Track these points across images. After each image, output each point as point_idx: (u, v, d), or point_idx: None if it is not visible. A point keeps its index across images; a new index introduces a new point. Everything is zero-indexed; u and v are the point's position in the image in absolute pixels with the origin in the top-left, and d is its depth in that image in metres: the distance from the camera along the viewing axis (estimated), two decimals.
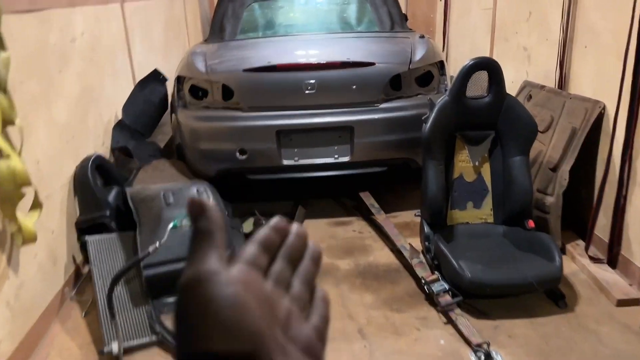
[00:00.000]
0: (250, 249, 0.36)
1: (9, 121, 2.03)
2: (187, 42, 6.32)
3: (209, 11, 7.97)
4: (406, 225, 3.29)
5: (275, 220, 0.39)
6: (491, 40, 4.21)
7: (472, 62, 2.64)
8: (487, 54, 4.32)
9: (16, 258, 2.19)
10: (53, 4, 2.67)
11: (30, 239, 2.13)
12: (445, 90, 3.32)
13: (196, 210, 0.35)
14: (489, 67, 2.65)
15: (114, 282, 2.01)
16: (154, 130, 4.01)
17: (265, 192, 3.74)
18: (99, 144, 3.24)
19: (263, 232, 0.37)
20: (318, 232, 3.20)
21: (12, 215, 2.04)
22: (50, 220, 2.51)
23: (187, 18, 6.43)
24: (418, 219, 3.32)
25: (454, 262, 2.42)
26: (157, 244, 2.00)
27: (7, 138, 2.07)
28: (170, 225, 2.03)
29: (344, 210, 3.51)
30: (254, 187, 3.67)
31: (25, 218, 2.14)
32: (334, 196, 3.67)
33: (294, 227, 0.39)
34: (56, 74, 2.68)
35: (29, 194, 2.18)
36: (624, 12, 2.49)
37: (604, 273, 2.62)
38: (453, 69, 5.29)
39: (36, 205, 2.22)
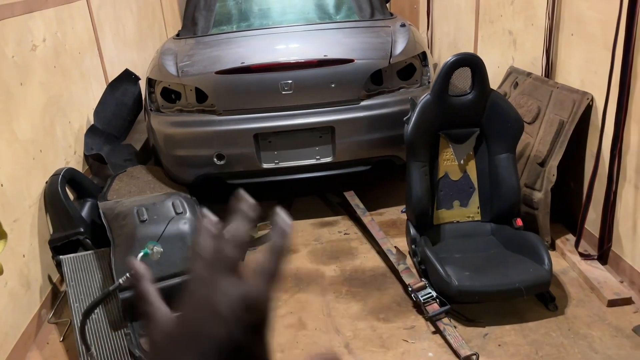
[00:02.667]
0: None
1: None
2: (165, 29, 6.10)
3: None
4: (392, 223, 3.21)
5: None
6: (476, 22, 4.06)
7: (454, 58, 2.52)
8: (472, 36, 4.18)
9: None
10: (8, 14, 2.50)
11: None
12: (429, 82, 3.20)
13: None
14: (472, 63, 2.53)
15: (85, 316, 1.92)
16: (129, 132, 3.87)
17: (247, 193, 3.63)
18: (71, 153, 3.11)
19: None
20: (302, 234, 3.12)
21: None
22: (20, 244, 2.41)
23: (162, 3, 6.19)
24: (404, 216, 3.24)
25: (441, 269, 2.35)
26: (127, 274, 1.90)
27: None
28: (141, 254, 1.93)
29: (329, 209, 3.43)
30: (235, 189, 3.56)
31: None
32: (319, 193, 3.57)
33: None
34: (16, 88, 2.53)
35: None
36: (612, 2, 2.36)
37: (595, 270, 2.57)
38: (437, 48, 5.15)
39: (1, 235, 2.11)
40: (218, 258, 0.39)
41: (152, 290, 0.42)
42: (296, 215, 3.31)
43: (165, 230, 2.35)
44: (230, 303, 0.37)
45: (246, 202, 0.42)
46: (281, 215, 0.41)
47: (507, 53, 3.55)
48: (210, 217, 0.42)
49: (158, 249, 1.95)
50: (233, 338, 0.36)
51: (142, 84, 4.11)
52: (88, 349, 1.97)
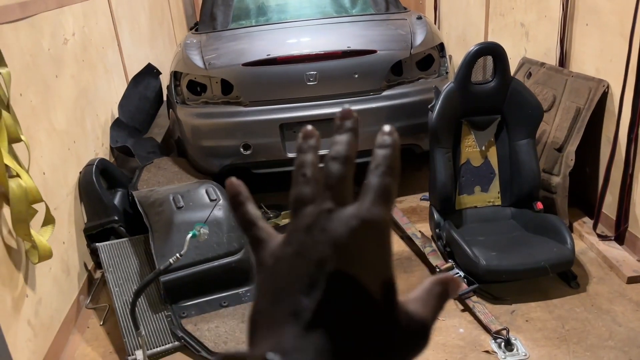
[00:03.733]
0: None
1: (15, 139, 1.98)
2: (172, 27, 6.17)
3: None
4: (413, 210, 3.30)
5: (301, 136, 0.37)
6: (486, 15, 4.16)
7: (477, 47, 2.62)
8: (481, 29, 4.28)
9: (32, 275, 2.17)
10: (42, 8, 2.57)
11: (46, 255, 2.10)
12: (446, 72, 3.30)
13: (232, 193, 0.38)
14: (494, 52, 2.63)
15: (137, 296, 2.00)
16: (151, 125, 3.94)
17: (270, 183, 3.72)
18: (99, 145, 3.19)
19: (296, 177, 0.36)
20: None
21: (26, 234, 2.01)
22: (60, 231, 2.48)
23: (170, 1, 6.26)
24: (424, 203, 3.34)
25: (468, 250, 2.44)
26: (178, 254, 1.99)
27: (15, 156, 2.02)
28: (189, 235, 2.01)
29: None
30: (259, 179, 3.64)
31: (39, 235, 2.10)
32: None
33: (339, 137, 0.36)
34: (52, 80, 2.60)
35: (40, 209, 2.14)
36: None
37: (613, 250, 2.67)
38: (445, 42, 5.24)
39: (49, 220, 2.19)
40: (326, 176, 0.34)
41: (255, 211, 0.38)
42: None
43: (203, 215, 2.43)
44: (346, 227, 0.32)
45: (350, 116, 0.37)
46: (385, 129, 0.37)
47: (519, 45, 3.66)
48: (310, 130, 0.38)
49: (205, 230, 2.03)
50: (348, 263, 0.32)
51: (163, 79, 4.19)
52: (137, 327, 2.05)
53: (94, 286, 2.75)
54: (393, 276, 0.34)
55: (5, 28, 2.16)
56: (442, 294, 0.35)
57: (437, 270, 2.56)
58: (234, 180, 0.38)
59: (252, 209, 0.37)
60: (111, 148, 3.37)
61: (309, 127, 0.38)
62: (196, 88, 3.23)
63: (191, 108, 3.16)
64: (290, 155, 3.12)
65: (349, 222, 0.32)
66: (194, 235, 1.99)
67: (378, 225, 0.33)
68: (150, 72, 3.86)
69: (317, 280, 0.31)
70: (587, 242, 2.80)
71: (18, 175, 1.95)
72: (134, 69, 4.01)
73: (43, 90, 2.47)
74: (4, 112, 1.92)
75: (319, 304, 0.31)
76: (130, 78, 3.81)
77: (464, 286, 2.43)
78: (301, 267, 0.32)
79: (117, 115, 3.48)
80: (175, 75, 3.23)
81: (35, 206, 2.08)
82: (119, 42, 3.87)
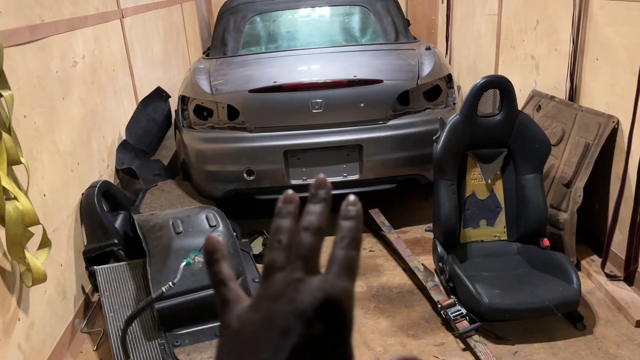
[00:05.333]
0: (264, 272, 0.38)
1: (14, 161, 1.99)
2: (187, 50, 6.25)
3: (207, 16, 7.88)
4: (417, 241, 3.25)
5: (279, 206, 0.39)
6: (497, 47, 4.15)
7: (483, 80, 2.59)
8: (492, 60, 4.27)
9: (26, 298, 2.15)
10: (53, 31, 2.61)
11: (40, 279, 2.08)
12: (454, 103, 3.28)
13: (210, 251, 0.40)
14: (501, 85, 2.60)
15: (127, 324, 1.97)
16: (158, 147, 3.95)
17: (273, 208, 3.69)
18: (104, 167, 3.19)
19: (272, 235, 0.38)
20: (326, 251, 3.15)
21: (20, 257, 1.99)
22: (58, 253, 2.46)
23: (186, 25, 6.35)
24: (429, 235, 3.29)
25: (471, 287, 2.38)
26: (171, 283, 1.95)
27: (14, 178, 2.02)
28: (183, 263, 1.98)
29: None
30: (261, 205, 3.62)
31: (34, 258, 2.09)
32: None
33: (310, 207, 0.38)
34: (59, 102, 2.62)
35: (37, 231, 2.13)
36: (638, 27, 2.44)
37: (622, 291, 2.59)
38: (457, 72, 5.24)
39: (45, 243, 2.17)
40: (297, 246, 0.37)
41: (228, 271, 0.39)
42: None
43: (202, 241, 2.40)
44: (311, 299, 0.34)
45: (324, 186, 0.39)
46: (349, 199, 0.38)
47: (529, 77, 3.63)
48: (290, 195, 0.40)
49: (199, 259, 2.00)
50: (312, 335, 0.34)
51: (172, 101, 4.22)
52: (127, 356, 2.01)
53: (90, 310, 2.72)
54: (351, 348, 0.35)
55: (13, 50, 2.18)
56: None
57: (439, 306, 2.50)
58: (212, 237, 0.40)
59: (226, 269, 0.39)
60: (116, 169, 3.38)
61: (290, 191, 0.40)
62: (203, 113, 3.24)
63: (197, 132, 3.16)
64: (294, 182, 3.10)
65: (314, 294, 0.34)
66: (188, 264, 1.96)
67: (341, 299, 0.35)
68: (159, 95, 3.89)
69: (281, 350, 0.33)
70: (595, 281, 2.72)
71: (15, 198, 1.95)
72: (145, 91, 4.05)
73: (48, 112, 2.49)
74: (5, 135, 1.93)
75: None
76: (140, 100, 3.84)
77: None
78: (266, 335, 0.34)
79: (124, 137, 3.50)
80: (183, 100, 3.25)
81: (32, 229, 2.06)
82: (130, 64, 3.91)
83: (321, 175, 0.40)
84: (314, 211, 0.38)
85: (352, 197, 0.39)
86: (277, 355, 0.33)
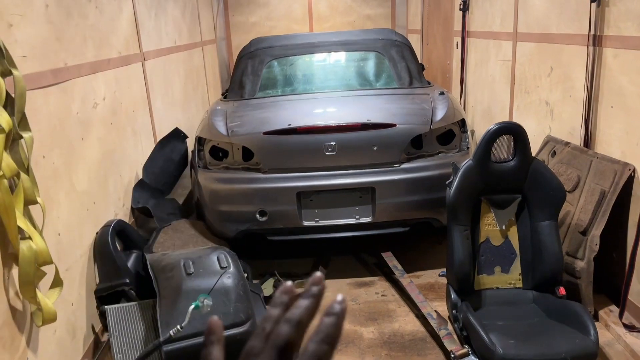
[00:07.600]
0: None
1: (31, 200, 2.02)
2: (206, 91, 6.39)
3: (227, 58, 8.08)
4: (430, 286, 3.20)
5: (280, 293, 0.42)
6: (511, 92, 4.17)
7: (497, 127, 2.60)
8: (507, 105, 4.29)
9: (35, 337, 2.15)
10: (75, 74, 2.70)
11: (50, 318, 2.09)
12: (467, 148, 3.28)
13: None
14: (514, 131, 2.60)
15: None
16: (174, 187, 4.00)
17: (285, 249, 3.69)
18: (120, 206, 3.24)
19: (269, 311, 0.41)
20: (339, 294, 3.12)
21: (32, 296, 2.00)
22: (69, 292, 2.48)
23: (206, 67, 6.52)
24: (443, 279, 3.24)
25: (485, 337, 2.32)
26: (179, 326, 1.94)
27: (30, 217, 2.05)
28: (192, 306, 1.98)
29: (366, 269, 3.44)
30: (274, 245, 3.62)
31: (46, 297, 2.10)
32: (355, 253, 3.60)
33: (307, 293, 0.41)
34: (78, 143, 2.69)
35: (50, 271, 2.15)
36: None
37: None
38: (471, 116, 5.26)
39: (57, 282, 2.19)
40: (275, 335, 0.39)
41: (218, 355, 0.42)
42: (333, 274, 3.33)
43: (213, 283, 2.40)
44: None
45: (319, 283, 0.42)
46: (337, 297, 0.41)
47: (543, 122, 3.63)
48: (289, 287, 0.43)
49: (208, 302, 1.99)
50: None
51: (189, 142, 4.30)
52: None
53: (99, 350, 2.71)
54: None
55: (36, 93, 2.26)
56: None
57: (452, 355, 2.44)
58: (215, 320, 0.43)
59: (217, 353, 0.42)
60: (132, 208, 3.42)
61: (289, 283, 0.43)
62: (218, 153, 3.29)
63: (211, 173, 3.20)
64: (307, 223, 3.10)
65: None
66: (196, 307, 1.95)
67: None
68: (177, 135, 3.97)
69: None
70: (613, 332, 2.63)
71: (30, 238, 1.98)
72: (164, 131, 4.13)
73: (67, 153, 2.55)
74: (23, 175, 1.97)
75: None
76: (159, 140, 3.91)
77: None
78: None
79: (141, 176, 3.55)
80: (200, 141, 3.30)
81: (45, 268, 2.09)
82: (150, 105, 4.01)
83: (319, 273, 0.42)
84: (301, 305, 0.40)
85: (339, 297, 0.41)
86: None
